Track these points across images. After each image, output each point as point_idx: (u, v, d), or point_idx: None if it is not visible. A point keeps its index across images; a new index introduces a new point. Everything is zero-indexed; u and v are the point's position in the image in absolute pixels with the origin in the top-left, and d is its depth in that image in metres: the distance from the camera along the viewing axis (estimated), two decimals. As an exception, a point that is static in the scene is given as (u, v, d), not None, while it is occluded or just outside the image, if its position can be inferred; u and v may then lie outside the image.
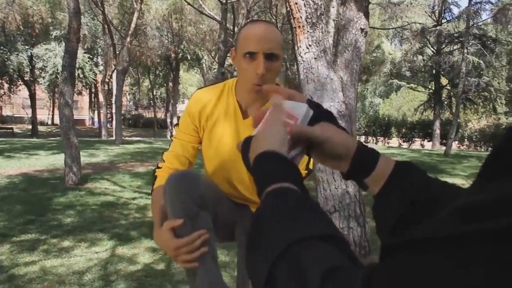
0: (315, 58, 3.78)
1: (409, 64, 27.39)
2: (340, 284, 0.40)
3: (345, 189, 3.93)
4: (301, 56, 3.82)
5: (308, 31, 3.74)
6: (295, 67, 4.18)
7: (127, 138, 25.32)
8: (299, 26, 3.76)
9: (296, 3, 3.71)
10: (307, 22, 3.72)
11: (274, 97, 0.80)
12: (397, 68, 28.88)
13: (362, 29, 4.08)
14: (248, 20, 1.48)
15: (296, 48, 3.87)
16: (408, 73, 29.16)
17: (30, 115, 33.85)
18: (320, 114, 0.79)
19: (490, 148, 24.81)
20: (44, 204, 6.67)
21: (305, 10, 3.71)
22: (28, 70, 30.18)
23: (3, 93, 33.70)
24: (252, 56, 1.39)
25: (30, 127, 32.45)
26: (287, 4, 3.82)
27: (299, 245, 0.46)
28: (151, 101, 39.70)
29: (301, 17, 3.72)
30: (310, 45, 3.76)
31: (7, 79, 31.59)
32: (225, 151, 1.55)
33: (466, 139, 26.65)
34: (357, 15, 4.05)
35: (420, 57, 26.84)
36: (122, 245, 4.74)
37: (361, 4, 4.07)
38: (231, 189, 1.59)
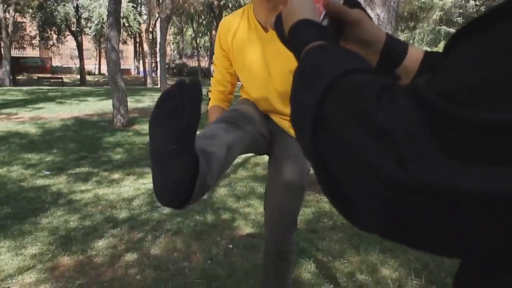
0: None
1: (460, 10, 26.03)
2: (400, 93, 0.40)
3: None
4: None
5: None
6: None
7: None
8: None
9: None
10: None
11: None
12: (447, 15, 27.52)
13: (401, -36, 4.03)
14: None
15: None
16: (459, 20, 27.77)
17: (78, 65, 34.93)
18: (354, 1, 0.78)
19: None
20: (95, 143, 7.12)
21: None
22: (75, 20, 30.87)
23: (52, 44, 34.79)
24: None
25: (78, 76, 33.59)
26: None
27: (348, 75, 0.45)
28: (195, 50, 39.93)
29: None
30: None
31: (55, 29, 32.52)
32: (253, 64, 1.64)
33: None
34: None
35: (472, 2, 25.43)
36: (167, 178, 5.06)
37: None
38: (264, 101, 1.71)
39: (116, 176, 5.17)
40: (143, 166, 5.62)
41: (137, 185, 4.76)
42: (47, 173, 5.20)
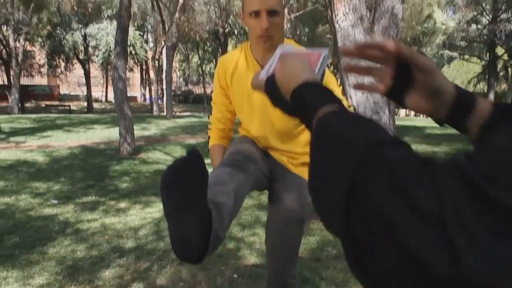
0: (352, 26, 3.91)
1: (462, 34, 26.31)
2: (440, 170, 0.38)
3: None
4: (338, 24, 3.95)
5: None
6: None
7: (177, 113, 26.07)
8: (336, -5, 3.88)
9: (334, -27, 3.84)
10: (344, -9, 3.84)
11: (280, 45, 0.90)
12: (450, 39, 27.80)
13: (400, -4, 4.14)
14: None
15: (333, 16, 4.00)
16: (462, 44, 28.02)
17: (85, 93, 35.39)
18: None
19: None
20: (102, 172, 7.20)
21: (342, -21, 3.83)
22: (83, 48, 31.44)
23: (60, 72, 35.38)
24: (257, 14, 1.57)
25: (85, 104, 33.99)
26: (325, -26, 3.94)
27: (379, 148, 0.43)
28: (201, 77, 40.39)
29: (338, -14, 3.84)
30: (347, 13, 3.89)
31: (64, 57, 33.11)
32: (252, 102, 1.72)
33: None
34: (394, -18, 4.11)
35: (474, 26, 25.71)
36: (173, 206, 5.11)
37: (399, -29, 4.12)
38: (263, 139, 1.77)
39: (122, 205, 5.22)
40: (149, 195, 5.68)
41: (144, 214, 4.81)
42: (55, 202, 5.27)
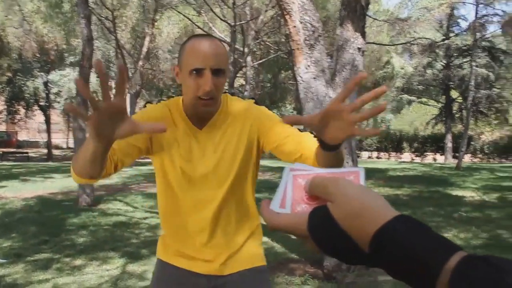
0: (314, 78, 3.93)
1: (419, 78, 27.44)
2: None
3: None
4: (301, 76, 3.97)
5: (306, 53, 3.90)
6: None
7: (140, 160, 25.63)
8: (298, 48, 3.91)
9: (295, 26, 3.88)
10: (305, 44, 3.88)
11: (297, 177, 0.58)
12: (408, 83, 28.91)
13: (359, 48, 4.23)
14: (192, 36, 1.47)
15: (295, 68, 4.02)
16: (419, 87, 29.17)
17: (45, 140, 34.49)
18: None
19: (503, 160, 24.65)
20: (58, 225, 6.84)
21: (303, 33, 3.87)
22: (44, 95, 30.86)
23: (19, 119, 34.45)
24: (200, 72, 1.33)
25: (45, 151, 33.03)
26: (287, 27, 3.99)
27: None
28: (164, 122, 40.13)
29: (299, 39, 3.88)
30: (309, 66, 3.91)
31: (24, 104, 32.33)
32: (191, 169, 1.47)
33: (478, 152, 26.44)
34: (353, 35, 4.20)
35: (430, 71, 26.89)
36: (133, 262, 4.86)
37: (358, 24, 4.22)
38: (200, 233, 1.50)
39: (78, 262, 4.92)
40: (108, 250, 5.39)
41: (101, 272, 4.53)
42: (3, 261, 4.92)
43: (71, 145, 40.06)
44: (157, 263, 1.60)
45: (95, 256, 5.13)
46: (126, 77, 0.89)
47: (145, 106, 1.54)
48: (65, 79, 28.41)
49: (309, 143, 1.28)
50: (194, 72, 1.33)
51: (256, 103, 1.55)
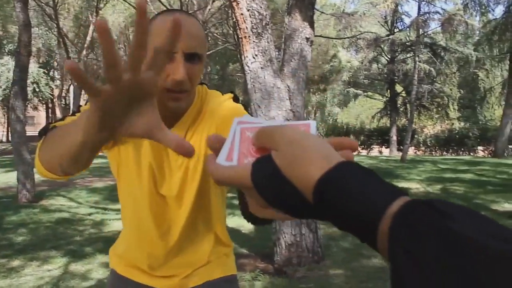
0: (261, 68, 3.87)
1: (365, 73, 28.12)
2: None
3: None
4: (248, 66, 3.90)
5: (254, 41, 3.83)
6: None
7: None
8: (245, 37, 3.84)
9: (242, 14, 3.80)
10: (252, 33, 3.81)
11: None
12: (354, 77, 29.58)
13: (307, 38, 4.21)
14: (160, 12, 1.12)
15: (243, 58, 3.95)
16: (365, 81, 29.92)
17: (-18, 133, 32.70)
18: None
19: (444, 153, 25.80)
20: (-6, 224, 6.46)
21: (251, 21, 3.80)
22: (-20, 85, 29.19)
23: (-47, 110, 32.45)
24: (170, 56, 1.05)
25: (-18, 144, 31.32)
26: (234, 15, 3.90)
27: None
28: (111, 115, 39.05)
29: (246, 27, 3.80)
30: (256, 55, 3.85)
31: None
32: (156, 184, 1.25)
33: (422, 145, 27.49)
34: (302, 25, 4.17)
35: (375, 65, 27.62)
36: (76, 261, 4.65)
37: (306, 14, 4.19)
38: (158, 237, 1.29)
39: (16, 263, 4.64)
40: (49, 248, 5.13)
41: (41, 273, 4.29)
42: None
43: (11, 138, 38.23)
44: (111, 274, 1.41)
45: (35, 256, 4.86)
46: (176, 37, 0.59)
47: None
48: (3, 68, 26.98)
49: None
50: None
51: (234, 98, 1.27)
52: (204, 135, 1.18)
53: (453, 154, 25.18)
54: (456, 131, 26.15)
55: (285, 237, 4.09)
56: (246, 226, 6.13)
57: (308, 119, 0.84)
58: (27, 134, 8.39)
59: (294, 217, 0.49)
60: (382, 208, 0.40)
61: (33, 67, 24.90)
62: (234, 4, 3.80)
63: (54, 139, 0.90)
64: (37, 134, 1.03)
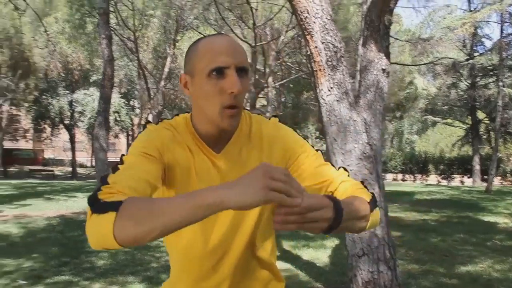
0: (337, 101, 3.83)
1: (443, 99, 26.99)
2: None
3: (373, 231, 3.87)
4: (323, 99, 3.87)
5: (329, 74, 3.80)
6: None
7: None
8: (320, 69, 3.83)
9: (316, 47, 3.80)
10: (327, 65, 3.79)
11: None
12: (432, 104, 28.47)
13: (383, 70, 4.11)
14: (200, 38, 1.14)
15: (318, 90, 3.93)
16: (444, 108, 28.69)
17: (70, 158, 35.07)
18: None
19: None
20: (79, 246, 6.82)
21: (325, 54, 3.79)
22: (69, 114, 31.48)
23: (45, 137, 35.20)
24: (221, 72, 1.04)
25: (70, 169, 33.54)
26: (308, 48, 3.91)
27: None
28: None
29: (321, 60, 3.79)
30: (331, 88, 3.82)
31: (50, 123, 33.06)
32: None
33: (509, 174, 25.70)
34: (377, 56, 4.09)
35: (454, 91, 26.46)
36: (152, 288, 4.77)
37: (381, 45, 4.11)
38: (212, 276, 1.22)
39: (97, 286, 4.85)
40: (127, 274, 5.31)
41: (119, 298, 4.45)
42: (23, 282, 4.88)
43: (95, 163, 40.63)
44: None
45: (114, 280, 5.05)
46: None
47: (145, 126, 1.20)
48: (89, 98, 28.96)
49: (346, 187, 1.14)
50: (214, 73, 1.04)
51: (279, 121, 1.27)
52: (261, 156, 1.17)
53: (544, 185, 23.29)
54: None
55: (361, 274, 3.94)
56: (321, 259, 5.99)
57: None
58: (108, 160, 8.89)
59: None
60: None
61: (115, 97, 26.49)
62: (308, 37, 3.81)
63: (148, 208, 0.87)
64: (100, 180, 1.01)
